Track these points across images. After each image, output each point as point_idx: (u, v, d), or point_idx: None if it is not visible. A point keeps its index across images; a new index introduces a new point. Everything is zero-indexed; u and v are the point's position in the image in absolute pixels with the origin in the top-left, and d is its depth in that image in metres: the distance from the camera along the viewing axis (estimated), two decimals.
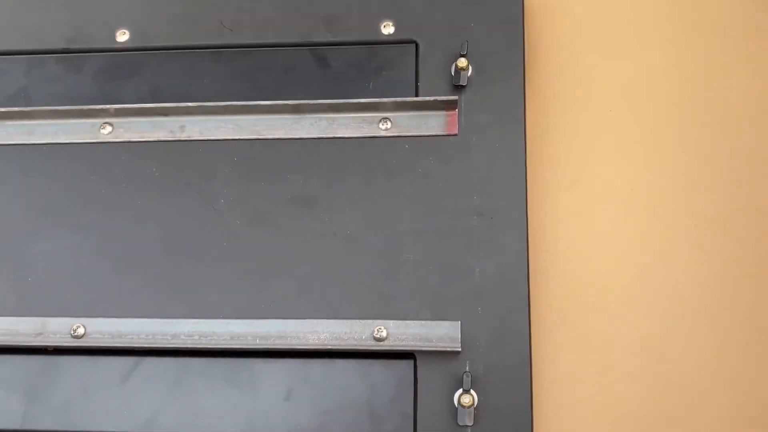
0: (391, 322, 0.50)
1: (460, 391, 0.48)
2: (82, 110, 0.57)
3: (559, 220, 0.54)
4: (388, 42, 0.58)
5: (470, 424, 0.47)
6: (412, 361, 0.50)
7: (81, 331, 0.52)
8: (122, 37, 0.60)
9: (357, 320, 0.50)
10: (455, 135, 0.54)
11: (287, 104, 0.56)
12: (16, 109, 0.57)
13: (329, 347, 0.50)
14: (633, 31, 0.59)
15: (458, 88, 0.55)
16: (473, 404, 0.47)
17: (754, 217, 0.54)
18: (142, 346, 0.51)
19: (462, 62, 0.54)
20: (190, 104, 0.56)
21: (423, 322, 0.50)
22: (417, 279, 0.51)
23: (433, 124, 0.55)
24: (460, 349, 0.48)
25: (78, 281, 0.54)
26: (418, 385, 0.49)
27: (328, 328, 0.50)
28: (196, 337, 0.51)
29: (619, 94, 0.58)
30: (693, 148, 0.56)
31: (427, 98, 0.54)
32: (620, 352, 0.51)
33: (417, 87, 0.56)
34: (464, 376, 0.47)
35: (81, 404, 0.51)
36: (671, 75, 0.58)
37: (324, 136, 0.56)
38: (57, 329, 0.52)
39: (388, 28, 0.58)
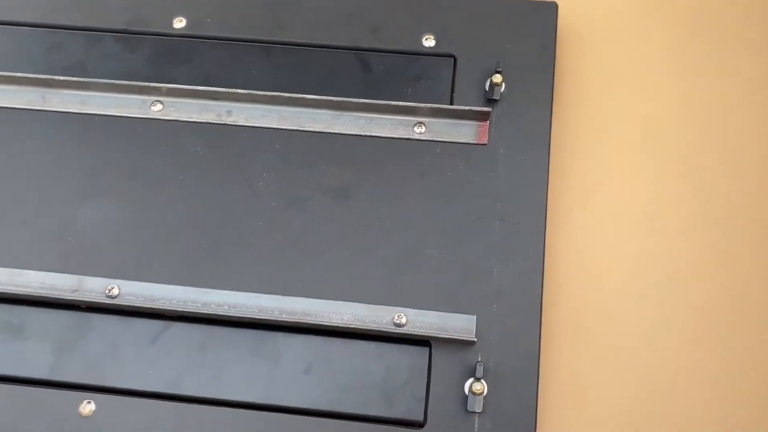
0: (410, 310, 0.53)
1: (472, 379, 0.51)
2: (135, 86, 0.61)
3: (574, 232, 0.58)
4: (428, 54, 0.62)
5: (479, 411, 0.50)
6: (427, 349, 0.53)
7: (115, 291, 0.54)
8: (179, 24, 0.64)
9: (379, 306, 0.53)
10: (484, 144, 0.58)
11: (330, 100, 0.59)
12: (74, 78, 0.61)
13: (351, 327, 0.53)
14: (657, 65, 0.64)
15: (490, 101, 0.60)
16: (483, 392, 0.50)
17: (762, 240, 0.58)
18: (173, 310, 0.54)
19: (497, 78, 0.58)
20: (239, 91, 0.60)
21: (441, 313, 0.53)
22: (438, 274, 0.55)
23: (464, 132, 0.59)
24: (475, 340, 0.52)
25: (116, 245, 0.56)
26: (432, 372, 0.52)
27: (351, 310, 0.53)
28: (225, 307, 0.54)
29: (638, 124, 0.62)
30: (704, 179, 0.60)
31: (463, 107, 0.58)
32: (625, 360, 0.54)
33: (452, 97, 0.60)
34: (477, 365, 0.50)
35: (109, 361, 0.53)
36: (692, 110, 0.62)
37: (361, 133, 0.59)
38: (92, 288, 0.55)
39: (429, 41, 0.62)
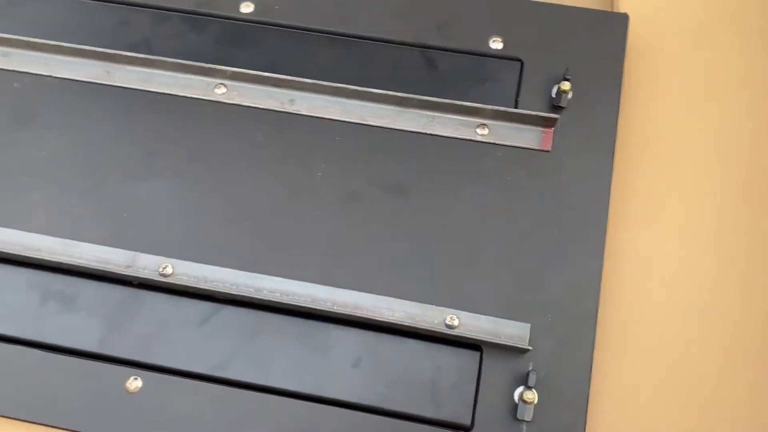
0: (463, 313, 0.53)
1: (522, 387, 0.50)
2: (200, 67, 0.61)
3: (633, 246, 0.57)
4: (495, 56, 0.61)
5: (528, 419, 0.49)
6: (478, 353, 0.52)
7: (169, 270, 0.54)
8: (246, 8, 0.64)
9: (431, 305, 0.53)
10: (547, 151, 0.58)
11: (394, 96, 0.59)
12: (139, 55, 0.61)
13: (402, 324, 0.52)
14: (727, 81, 0.63)
15: (556, 108, 0.59)
16: (535, 401, 0.49)
17: None
18: (225, 293, 0.53)
19: (566, 85, 0.58)
20: (304, 80, 0.59)
21: (494, 318, 0.52)
22: (493, 278, 0.54)
23: (528, 137, 0.58)
24: (529, 348, 0.51)
25: (172, 224, 0.56)
26: (482, 376, 0.51)
27: (402, 307, 0.53)
28: (278, 294, 0.53)
29: (705, 141, 0.61)
30: None
31: (528, 112, 0.58)
32: (678, 378, 0.53)
33: (516, 101, 0.60)
34: (530, 374, 0.50)
35: (158, 339, 0.53)
36: (761, 130, 0.61)
37: (423, 131, 0.59)
38: (146, 265, 0.55)
39: (496, 44, 0.62)
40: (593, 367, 0.52)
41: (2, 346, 0.54)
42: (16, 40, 0.62)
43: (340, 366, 0.52)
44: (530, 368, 0.51)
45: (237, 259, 0.55)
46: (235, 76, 0.61)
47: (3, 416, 0.53)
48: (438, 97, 0.59)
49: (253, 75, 0.60)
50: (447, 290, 0.54)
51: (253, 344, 0.53)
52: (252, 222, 0.56)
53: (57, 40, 0.62)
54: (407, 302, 0.53)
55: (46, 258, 0.55)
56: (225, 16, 0.64)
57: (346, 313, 0.53)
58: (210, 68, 0.61)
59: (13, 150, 0.59)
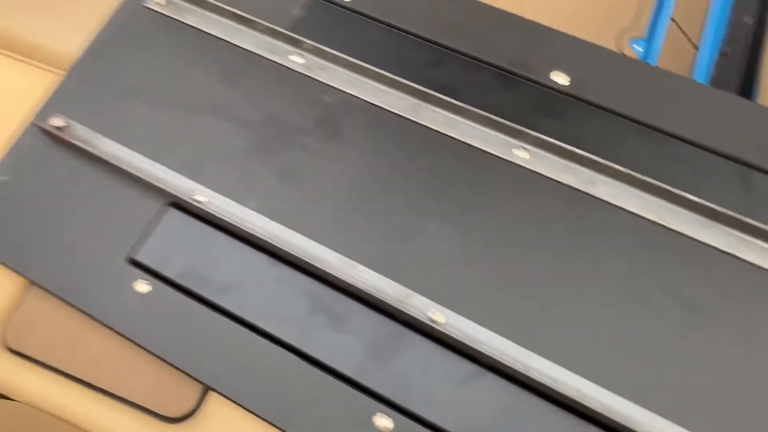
0: None
1: None
2: (506, 126, 0.61)
3: None
4: None
5: None
6: None
7: (441, 319, 0.54)
8: (558, 78, 0.64)
9: None
10: None
11: (705, 206, 0.56)
12: (452, 100, 0.62)
13: None
14: None
15: None
16: None
17: None
18: (494, 359, 0.52)
19: None
20: (610, 164, 0.58)
21: None
22: None
23: None
24: None
25: (448, 272, 0.56)
26: None
27: None
28: (547, 379, 0.51)
29: None
30: None
31: None
32: None
33: None
34: None
35: (415, 384, 0.52)
36: None
37: (727, 250, 0.55)
38: (417, 305, 0.54)
39: None
40: None
41: (264, 343, 0.55)
42: (339, 57, 0.65)
43: None
44: None
45: (509, 327, 0.53)
46: (537, 142, 0.60)
47: (244, 408, 0.54)
48: (747, 218, 0.56)
49: (558, 146, 0.59)
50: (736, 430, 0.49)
51: (511, 422, 0.51)
52: (529, 293, 0.55)
53: (369, 64, 0.65)
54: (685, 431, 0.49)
55: (323, 269, 0.56)
56: (536, 80, 0.64)
57: (617, 421, 0.49)
58: (515, 129, 0.60)
59: (312, 158, 0.62)
